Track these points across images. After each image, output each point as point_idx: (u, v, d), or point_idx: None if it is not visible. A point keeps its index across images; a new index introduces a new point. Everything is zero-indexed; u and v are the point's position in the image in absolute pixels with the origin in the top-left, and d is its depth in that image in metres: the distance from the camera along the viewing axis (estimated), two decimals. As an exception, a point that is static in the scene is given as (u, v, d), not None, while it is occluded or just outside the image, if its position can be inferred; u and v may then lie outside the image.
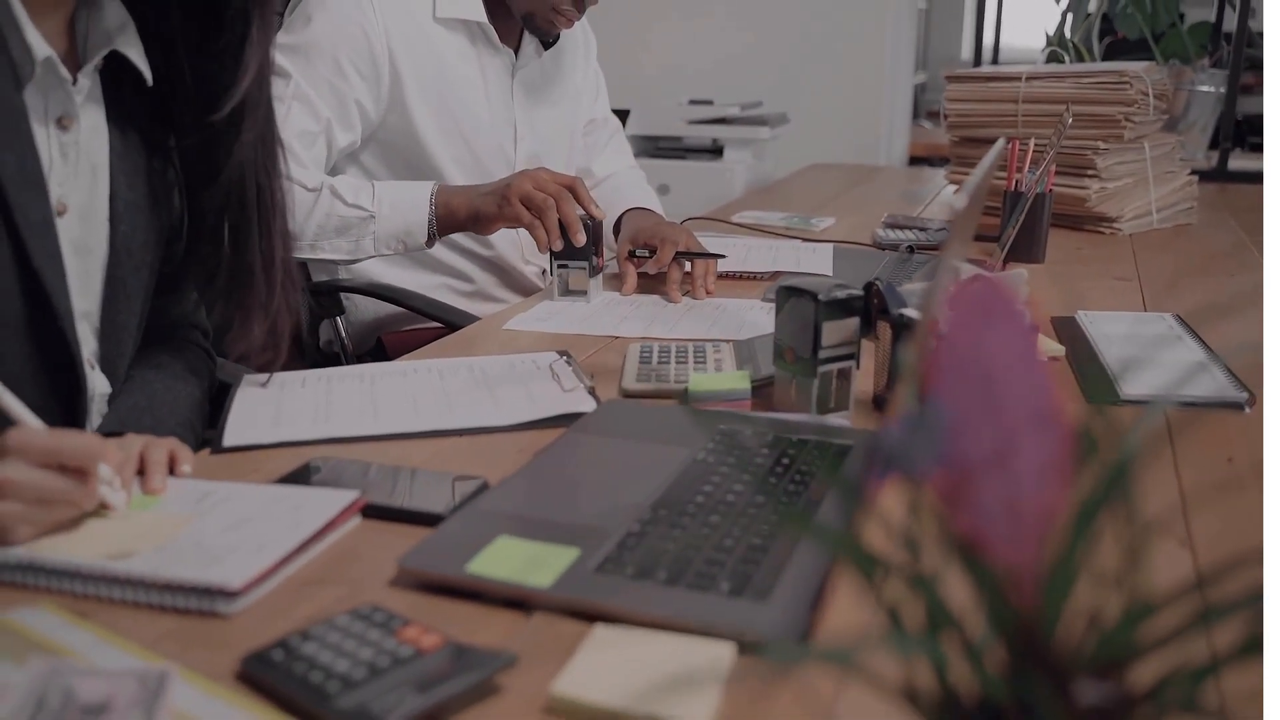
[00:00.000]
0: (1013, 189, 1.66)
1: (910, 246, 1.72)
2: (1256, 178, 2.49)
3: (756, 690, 0.57)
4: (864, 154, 3.42)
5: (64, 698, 0.53)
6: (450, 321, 1.54)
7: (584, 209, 1.38)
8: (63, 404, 0.92)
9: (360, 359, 1.63)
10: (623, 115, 2.31)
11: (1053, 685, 0.33)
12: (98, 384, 0.95)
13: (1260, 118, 3.52)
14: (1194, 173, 2.08)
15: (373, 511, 0.79)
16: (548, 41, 1.66)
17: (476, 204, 1.42)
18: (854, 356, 0.99)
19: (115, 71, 0.93)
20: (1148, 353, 1.18)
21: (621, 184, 1.80)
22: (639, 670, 0.58)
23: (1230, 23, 3.10)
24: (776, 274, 1.54)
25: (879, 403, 1.02)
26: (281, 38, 1.46)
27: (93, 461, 0.72)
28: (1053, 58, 3.43)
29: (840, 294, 0.97)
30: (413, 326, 1.63)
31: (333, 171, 1.56)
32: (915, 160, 3.93)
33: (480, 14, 1.56)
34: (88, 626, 0.63)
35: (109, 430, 0.92)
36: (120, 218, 0.94)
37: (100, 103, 0.93)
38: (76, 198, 0.91)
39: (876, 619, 0.36)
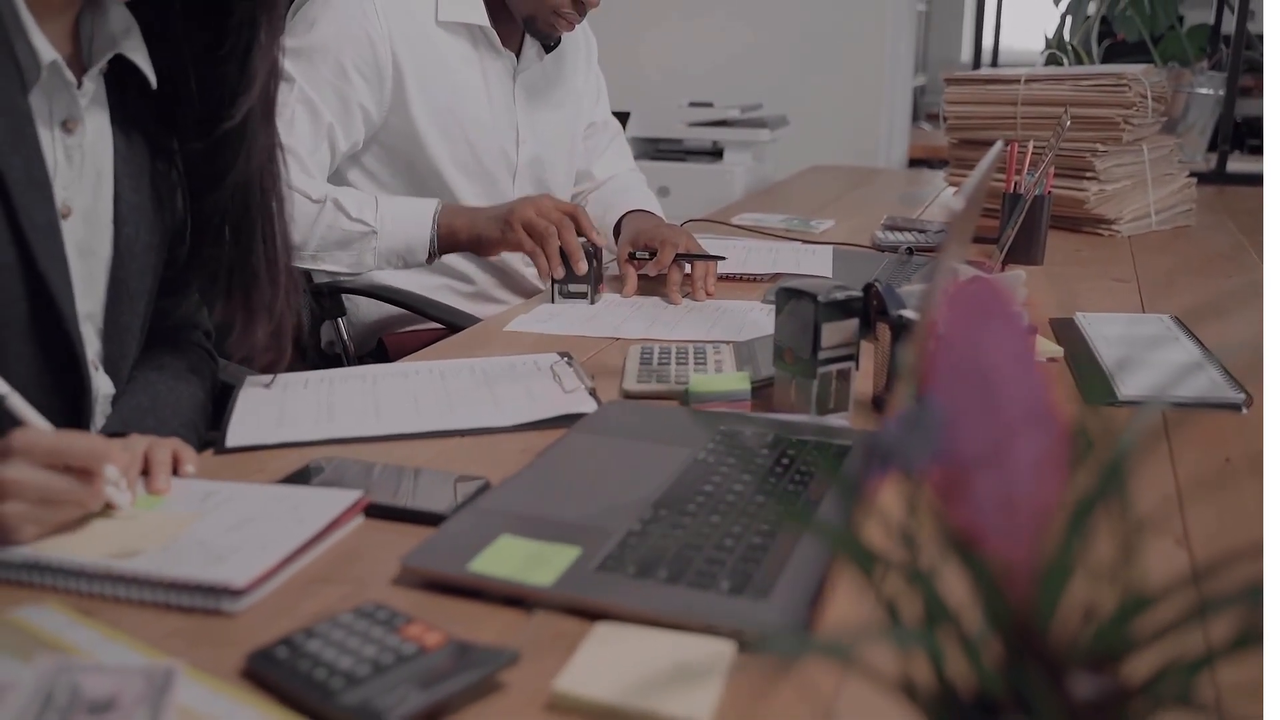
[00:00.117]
0: (1012, 191, 1.66)
1: (909, 248, 1.72)
2: (1255, 180, 2.49)
3: (757, 685, 0.58)
4: (863, 156, 3.43)
5: (71, 694, 0.54)
6: (451, 323, 1.55)
7: (585, 236, 1.40)
8: (67, 405, 0.92)
9: (362, 360, 1.63)
10: (623, 118, 2.32)
11: (1048, 678, 0.34)
12: (101, 385, 0.96)
13: (1259, 120, 3.53)
14: (1192, 175, 2.08)
15: (376, 511, 0.79)
16: (549, 45, 1.67)
17: (479, 227, 1.45)
18: (853, 358, 0.99)
19: (120, 75, 0.93)
20: (1145, 354, 1.18)
21: (622, 186, 1.81)
22: (640, 667, 0.58)
23: (1229, 25, 3.11)
24: (776, 276, 1.55)
25: (878, 403, 1.02)
26: (283, 41, 1.47)
27: (99, 462, 0.72)
28: (1052, 60, 3.44)
29: (840, 295, 0.97)
30: (414, 328, 1.64)
31: (335, 173, 1.56)
32: (915, 162, 3.94)
33: (482, 17, 1.57)
34: (93, 625, 0.63)
35: (113, 431, 0.92)
36: (124, 220, 0.95)
37: (105, 106, 0.94)
38: (81, 200, 0.92)
39: (875, 614, 0.36)
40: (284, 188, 1.00)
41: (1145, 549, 0.35)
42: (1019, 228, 1.52)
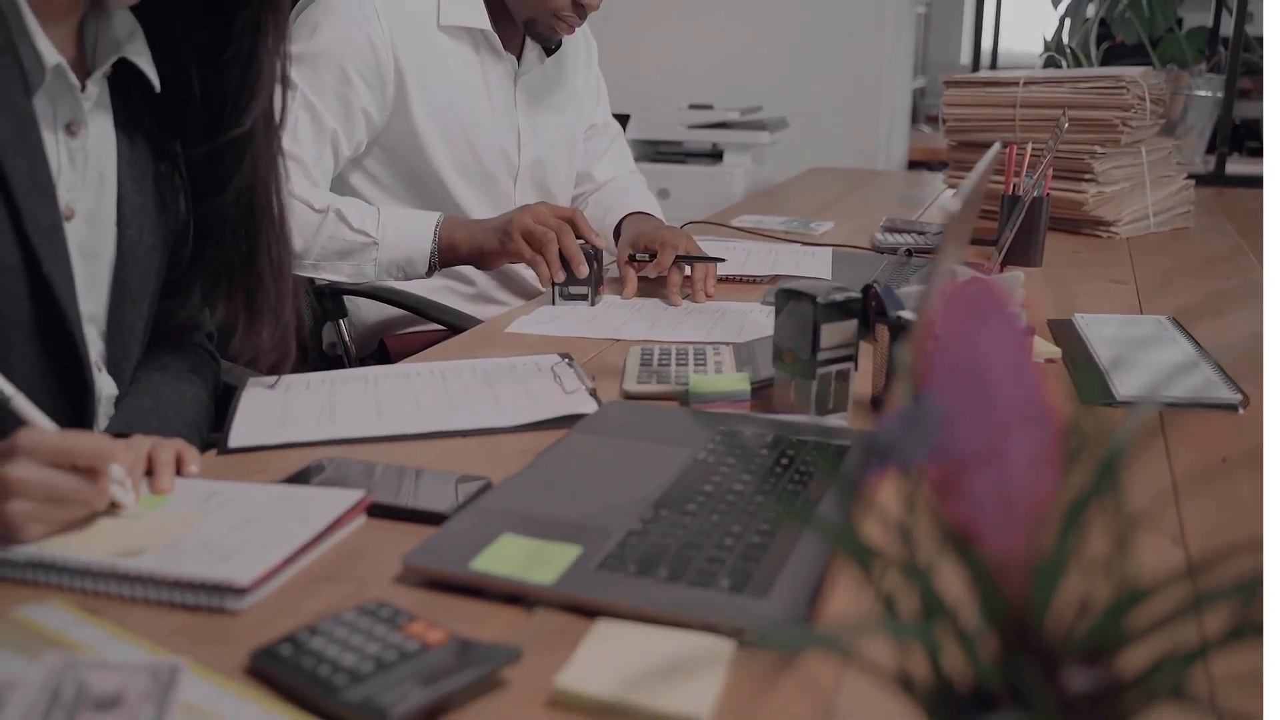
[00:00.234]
0: (1010, 193, 1.67)
1: (908, 250, 1.73)
2: (1253, 182, 2.50)
3: (756, 682, 0.58)
4: (863, 158, 3.43)
5: (77, 690, 0.54)
6: (453, 324, 1.55)
7: (584, 239, 1.41)
8: (70, 406, 0.93)
9: (363, 361, 1.64)
10: (623, 120, 2.32)
11: (1043, 672, 0.34)
12: (105, 386, 0.96)
13: (1257, 122, 3.54)
14: (1191, 177, 2.09)
15: (378, 510, 0.80)
16: (550, 48, 1.68)
17: (479, 240, 1.46)
18: (852, 358, 1.00)
19: (123, 78, 0.94)
20: (1142, 355, 1.19)
21: (622, 188, 1.81)
22: (640, 664, 0.59)
23: (1227, 28, 3.11)
24: (776, 277, 1.55)
25: (877, 404, 1.03)
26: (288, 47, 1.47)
27: (104, 461, 0.73)
28: (1050, 63, 3.44)
29: (839, 297, 0.98)
30: (415, 329, 1.65)
31: (337, 177, 1.57)
32: (914, 164, 3.94)
33: (484, 21, 1.58)
34: (98, 623, 0.64)
35: (116, 431, 0.93)
36: (127, 222, 0.96)
37: (108, 109, 0.94)
38: (84, 203, 0.92)
39: (873, 609, 0.37)
40: (285, 192, 1.00)
41: (1141, 546, 0.35)
42: (1017, 229, 1.53)
